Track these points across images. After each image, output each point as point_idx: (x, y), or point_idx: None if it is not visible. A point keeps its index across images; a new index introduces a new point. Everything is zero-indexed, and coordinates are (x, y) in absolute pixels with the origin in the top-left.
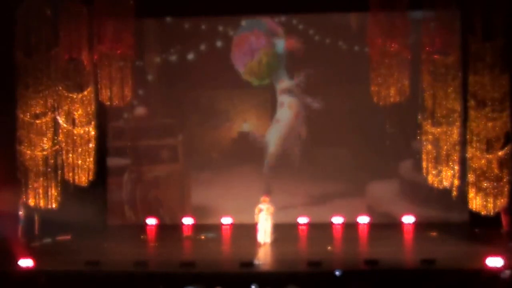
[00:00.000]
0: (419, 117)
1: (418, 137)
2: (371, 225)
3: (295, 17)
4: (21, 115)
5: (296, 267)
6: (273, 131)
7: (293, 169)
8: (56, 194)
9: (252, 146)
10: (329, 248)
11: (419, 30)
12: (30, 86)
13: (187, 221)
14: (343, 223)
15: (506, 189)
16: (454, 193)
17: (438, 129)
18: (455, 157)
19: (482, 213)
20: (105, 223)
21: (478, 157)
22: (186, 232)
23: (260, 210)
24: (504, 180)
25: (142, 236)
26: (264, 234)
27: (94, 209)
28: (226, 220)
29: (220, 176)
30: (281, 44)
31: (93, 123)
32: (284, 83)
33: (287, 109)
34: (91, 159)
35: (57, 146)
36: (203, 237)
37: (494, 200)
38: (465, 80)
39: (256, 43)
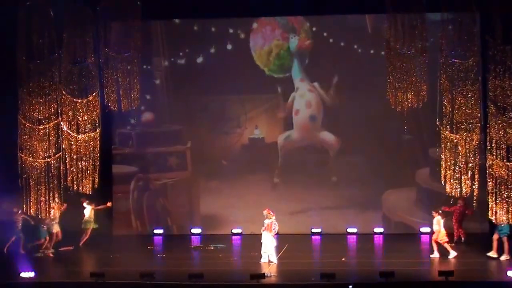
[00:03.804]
0: (437, 123)
1: (436, 144)
2: (387, 236)
3: (309, 19)
4: (23, 121)
5: (309, 280)
6: (286, 136)
7: (307, 177)
8: (59, 203)
9: (264, 154)
10: (343, 259)
11: (437, 33)
12: (33, 90)
13: (196, 231)
14: (357, 233)
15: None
16: (475, 202)
17: (457, 136)
18: (474, 165)
19: (503, 223)
20: (110, 233)
21: (499, 165)
22: (195, 243)
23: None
24: None
25: (149, 247)
26: (268, 253)
27: (99, 218)
28: (236, 231)
29: (230, 184)
30: (294, 42)
31: (98, 129)
32: (302, 87)
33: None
34: (96, 166)
35: (61, 153)
36: (212, 247)
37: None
38: (485, 85)
39: (270, 33)
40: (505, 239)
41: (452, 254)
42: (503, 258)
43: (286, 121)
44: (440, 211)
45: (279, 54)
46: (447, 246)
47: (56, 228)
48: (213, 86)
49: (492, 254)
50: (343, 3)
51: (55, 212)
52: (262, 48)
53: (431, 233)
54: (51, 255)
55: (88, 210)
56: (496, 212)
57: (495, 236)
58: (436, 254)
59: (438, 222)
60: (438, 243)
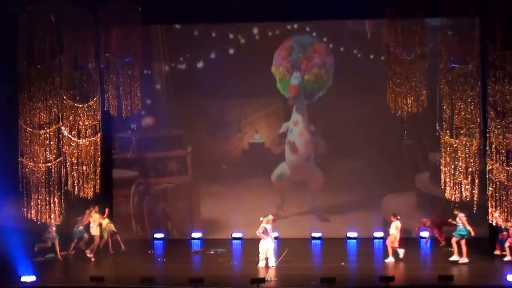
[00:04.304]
0: (437, 127)
1: (436, 149)
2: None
3: (308, 24)
4: (24, 125)
5: (309, 284)
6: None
7: (307, 181)
8: (59, 208)
9: (264, 158)
10: (342, 263)
11: (436, 38)
12: (34, 95)
13: (196, 235)
14: (358, 237)
15: None
16: (474, 207)
17: (457, 141)
18: (474, 170)
19: (503, 227)
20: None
21: (498, 170)
22: (195, 247)
23: (264, 230)
24: None
25: (149, 251)
26: (268, 257)
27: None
28: (236, 235)
29: (231, 188)
30: (295, 81)
31: (99, 134)
32: (300, 100)
33: (299, 130)
34: (97, 171)
35: (61, 158)
36: (212, 252)
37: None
38: (484, 90)
39: (282, 59)
40: (463, 242)
41: (401, 252)
42: (462, 261)
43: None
44: (398, 217)
45: (282, 81)
46: (397, 249)
47: (94, 232)
48: (213, 90)
49: (455, 257)
50: (343, 8)
51: (87, 216)
52: (275, 65)
53: (386, 237)
54: (92, 259)
55: (97, 218)
56: (495, 217)
57: (455, 239)
58: (391, 259)
59: (396, 227)
60: (392, 247)
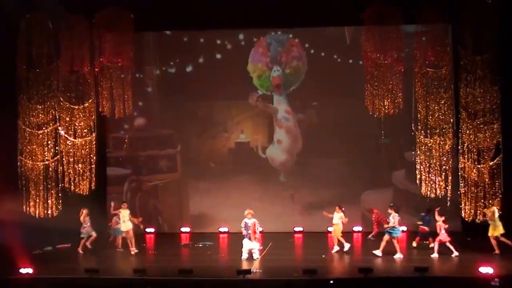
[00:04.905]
0: (413, 128)
1: (412, 148)
2: (366, 234)
3: (291, 31)
4: (23, 126)
5: (292, 275)
6: (275, 149)
7: (289, 178)
8: (56, 203)
9: (249, 156)
10: (323, 256)
11: (412, 44)
12: (32, 97)
13: (185, 229)
14: None
15: (497, 199)
16: (448, 202)
17: (431, 140)
18: (447, 168)
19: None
20: (105, 232)
21: (470, 167)
22: (184, 241)
23: (246, 225)
24: (495, 190)
25: (141, 244)
26: (251, 250)
27: (94, 217)
28: (223, 229)
29: (218, 185)
30: (275, 73)
31: (94, 134)
32: (283, 103)
33: (285, 130)
34: (92, 169)
35: (58, 156)
36: (200, 245)
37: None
38: (457, 92)
39: (259, 55)
40: (395, 240)
41: (346, 246)
42: (396, 256)
43: (271, 126)
44: (343, 208)
45: (261, 77)
46: (341, 239)
47: (125, 227)
48: (202, 93)
49: (378, 252)
50: (324, 16)
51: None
52: (252, 63)
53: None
54: (132, 253)
55: (126, 214)
56: (467, 212)
57: (386, 237)
58: (336, 248)
59: (341, 218)
60: (337, 238)
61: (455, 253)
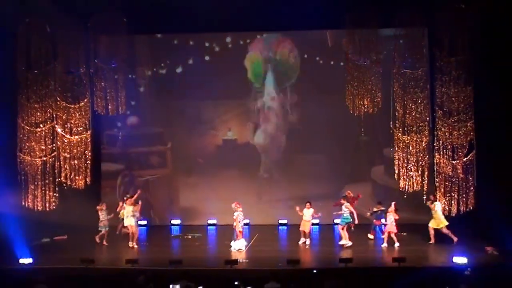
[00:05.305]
0: (391, 126)
1: (390, 144)
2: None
3: (276, 33)
4: (22, 124)
5: (277, 265)
6: (260, 137)
7: (274, 174)
8: (53, 197)
9: (236, 153)
10: (306, 247)
11: (390, 46)
12: (31, 97)
13: (175, 222)
14: (320, 223)
15: (471, 193)
16: (425, 196)
17: (409, 137)
18: (424, 163)
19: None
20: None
21: (445, 163)
22: (174, 232)
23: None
24: (468, 184)
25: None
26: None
27: (89, 210)
28: (211, 221)
29: (206, 180)
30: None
31: (89, 131)
32: (270, 97)
33: (271, 123)
34: (88, 164)
35: (55, 153)
36: (190, 236)
37: (458, 203)
38: (433, 92)
39: (255, 46)
40: (344, 228)
41: (307, 241)
42: (342, 242)
43: (256, 124)
44: (311, 204)
45: (254, 65)
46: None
47: (128, 222)
48: (191, 93)
49: (345, 242)
50: (307, 20)
51: (120, 208)
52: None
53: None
54: (134, 247)
55: (130, 210)
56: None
57: (339, 227)
58: (302, 240)
59: (310, 214)
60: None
61: (432, 241)
